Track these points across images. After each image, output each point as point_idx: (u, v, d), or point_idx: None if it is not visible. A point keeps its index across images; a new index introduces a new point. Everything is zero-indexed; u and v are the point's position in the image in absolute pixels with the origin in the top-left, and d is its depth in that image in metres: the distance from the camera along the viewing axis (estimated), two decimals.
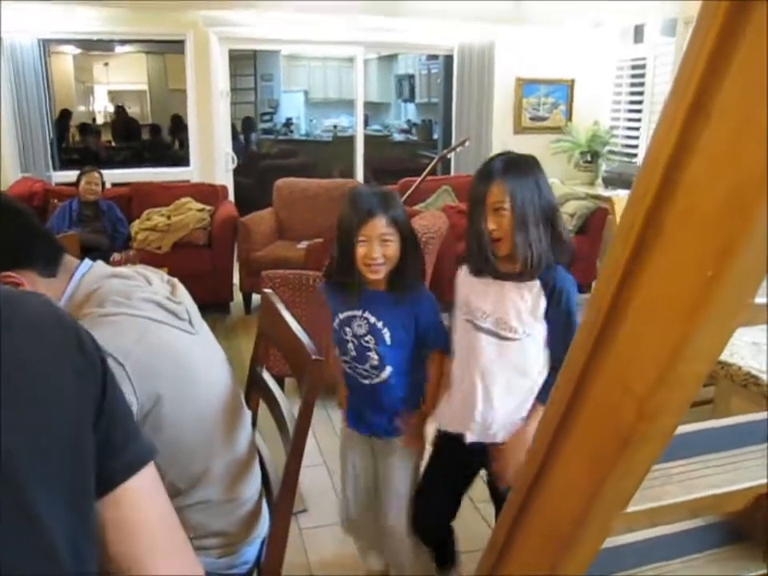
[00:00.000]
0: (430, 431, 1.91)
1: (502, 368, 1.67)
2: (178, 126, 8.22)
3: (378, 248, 1.68)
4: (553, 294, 1.63)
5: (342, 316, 1.81)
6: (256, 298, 4.82)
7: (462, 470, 1.88)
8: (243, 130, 8.57)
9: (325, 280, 1.89)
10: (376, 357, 1.78)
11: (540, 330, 1.65)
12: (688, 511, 0.87)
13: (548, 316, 1.64)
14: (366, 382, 1.83)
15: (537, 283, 1.63)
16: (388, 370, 1.79)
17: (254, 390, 1.68)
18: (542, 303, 1.63)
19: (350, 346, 1.81)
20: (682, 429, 0.88)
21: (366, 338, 1.78)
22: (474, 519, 2.49)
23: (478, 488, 2.67)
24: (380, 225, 1.67)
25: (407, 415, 1.84)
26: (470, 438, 1.73)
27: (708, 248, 0.56)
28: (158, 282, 1.33)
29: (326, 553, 2.33)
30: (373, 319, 1.77)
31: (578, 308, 1.64)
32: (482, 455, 1.78)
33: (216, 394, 1.34)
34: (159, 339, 1.21)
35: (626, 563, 1.14)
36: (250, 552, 1.46)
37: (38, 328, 0.70)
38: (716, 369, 1.53)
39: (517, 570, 0.97)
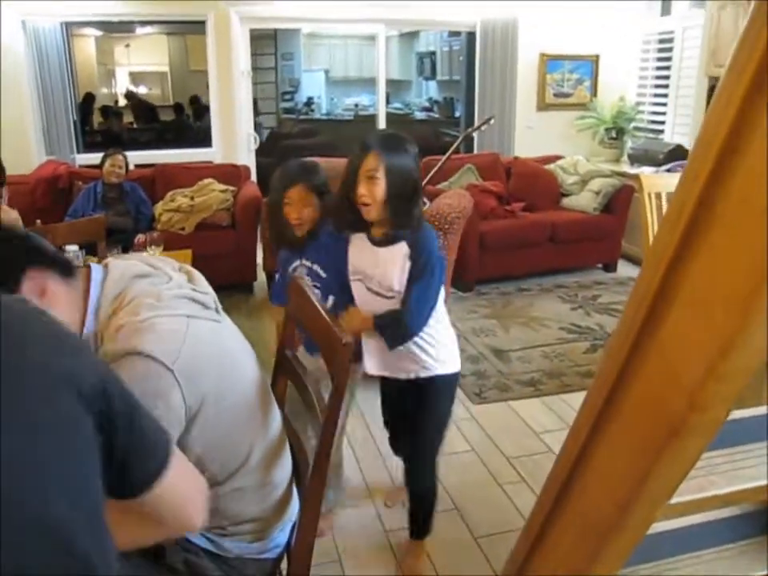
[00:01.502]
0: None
1: None
2: (198, 107, 8.22)
3: (298, 209, 2.00)
4: (420, 254, 1.80)
5: (290, 268, 2.14)
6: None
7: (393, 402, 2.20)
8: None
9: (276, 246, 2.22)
10: (317, 291, 2.06)
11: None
12: (731, 501, 0.85)
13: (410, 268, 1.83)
14: None
15: (404, 246, 1.81)
16: (330, 299, 2.07)
17: (281, 373, 1.68)
18: (408, 263, 1.82)
19: None
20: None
21: (307, 279, 2.08)
22: (501, 499, 2.49)
23: (504, 468, 2.68)
24: (301, 190, 1.99)
25: None
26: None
27: (766, 236, 0.54)
28: (175, 274, 1.29)
29: (353, 534, 2.34)
30: (307, 263, 2.10)
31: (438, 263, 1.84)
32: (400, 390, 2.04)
33: (248, 382, 1.32)
34: (199, 335, 1.18)
35: (660, 552, 1.12)
36: (281, 536, 1.47)
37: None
38: None
39: (558, 551, 0.95)
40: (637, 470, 0.71)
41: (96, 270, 1.21)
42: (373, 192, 1.75)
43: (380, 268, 1.87)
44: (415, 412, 2.01)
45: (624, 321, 0.71)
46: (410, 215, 1.79)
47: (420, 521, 2.18)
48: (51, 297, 1.08)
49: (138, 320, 1.10)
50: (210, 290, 1.33)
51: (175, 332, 1.13)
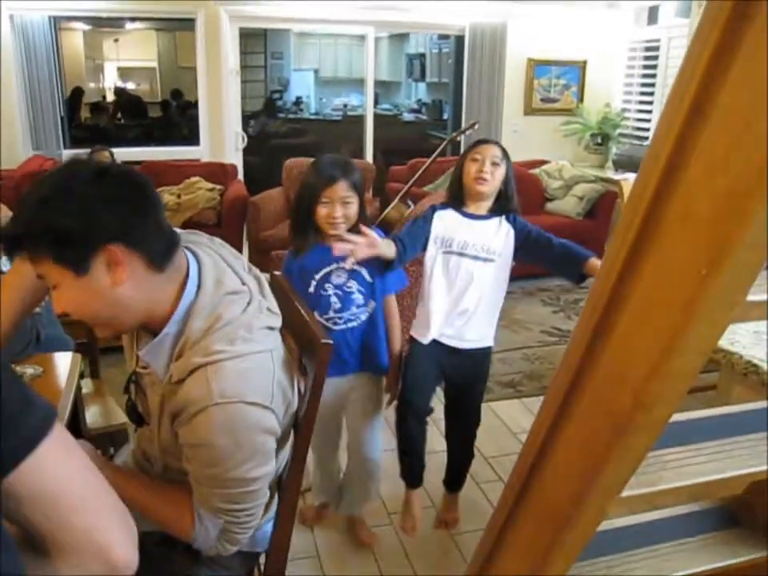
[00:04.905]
0: None
1: (481, 285, 2.11)
2: (182, 102, 8.25)
3: (339, 208, 1.90)
4: (520, 229, 2.15)
5: (318, 276, 1.99)
6: (264, 277, 4.85)
7: (436, 366, 2.21)
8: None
9: (291, 254, 2.06)
10: (361, 296, 2.02)
11: (507, 252, 2.13)
12: (683, 497, 0.90)
13: (527, 248, 2.18)
14: (351, 325, 2.04)
15: (496, 219, 2.12)
16: (372, 304, 2.05)
17: None
18: (503, 232, 2.12)
19: (333, 299, 2.00)
20: (678, 417, 0.91)
21: (348, 284, 2.01)
22: (478, 497, 2.54)
23: (482, 467, 2.72)
24: (342, 188, 1.89)
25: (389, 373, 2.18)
26: (448, 342, 2.16)
27: (703, 247, 0.58)
28: (250, 281, 1.33)
29: (332, 530, 2.38)
30: (347, 266, 1.95)
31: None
32: (448, 359, 2.18)
33: None
34: (279, 364, 1.25)
35: (620, 545, 1.17)
36: (263, 531, 1.49)
37: None
38: (718, 357, 1.55)
39: (518, 543, 1.00)
40: (588, 465, 0.76)
41: (192, 266, 1.22)
42: (495, 174, 2.13)
43: (481, 235, 2.10)
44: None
45: (579, 326, 0.76)
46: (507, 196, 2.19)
47: (461, 473, 2.43)
48: (123, 272, 1.08)
49: (233, 353, 1.15)
50: (275, 304, 1.37)
51: (267, 372, 1.21)
